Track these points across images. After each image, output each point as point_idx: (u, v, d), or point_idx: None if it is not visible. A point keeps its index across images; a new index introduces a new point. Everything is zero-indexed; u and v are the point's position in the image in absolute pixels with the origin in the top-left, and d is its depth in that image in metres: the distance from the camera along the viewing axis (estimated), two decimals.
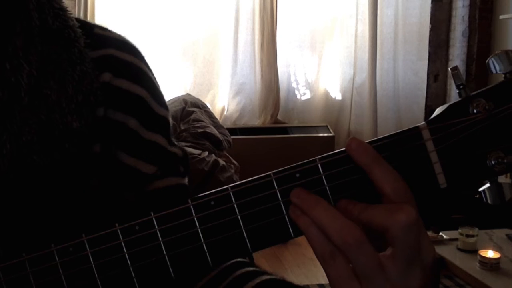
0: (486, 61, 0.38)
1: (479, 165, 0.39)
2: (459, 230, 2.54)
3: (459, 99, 0.40)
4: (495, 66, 0.39)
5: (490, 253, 2.34)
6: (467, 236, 2.51)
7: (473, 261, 2.36)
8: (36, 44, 0.52)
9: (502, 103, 0.38)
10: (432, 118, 0.40)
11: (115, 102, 0.56)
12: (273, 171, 0.42)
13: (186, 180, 0.62)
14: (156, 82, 0.61)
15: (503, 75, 0.39)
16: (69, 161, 0.53)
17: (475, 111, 0.39)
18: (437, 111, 0.40)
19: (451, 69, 0.39)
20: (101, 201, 0.56)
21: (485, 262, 2.30)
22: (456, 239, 2.55)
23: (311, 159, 0.42)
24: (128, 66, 0.58)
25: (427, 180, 0.40)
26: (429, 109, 4.32)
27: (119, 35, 0.61)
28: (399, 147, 0.40)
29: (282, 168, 0.42)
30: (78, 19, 0.58)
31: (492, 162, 0.39)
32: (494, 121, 0.39)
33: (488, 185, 0.40)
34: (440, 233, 2.64)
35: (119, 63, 0.57)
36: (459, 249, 2.51)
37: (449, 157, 0.40)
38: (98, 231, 0.44)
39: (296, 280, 2.88)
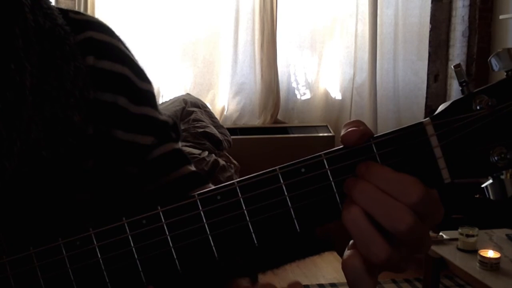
0: (488, 59, 0.38)
1: (482, 160, 0.40)
2: (459, 230, 2.53)
3: (462, 96, 0.40)
4: (497, 64, 0.39)
5: (490, 253, 2.33)
6: (467, 236, 2.50)
7: (473, 261, 2.35)
8: (33, 44, 0.54)
9: (504, 100, 0.39)
10: (436, 114, 0.41)
11: (102, 84, 0.58)
12: (279, 166, 0.43)
13: (179, 145, 0.65)
14: (135, 58, 0.63)
15: (505, 73, 0.39)
16: (70, 151, 0.54)
17: (478, 107, 0.39)
18: (441, 108, 0.41)
19: (454, 66, 0.40)
20: (103, 181, 0.57)
21: (485, 262, 2.30)
22: (456, 239, 2.54)
23: (316, 154, 0.42)
24: (107, 47, 0.60)
25: (431, 175, 0.41)
26: (429, 109, 4.32)
27: (93, 17, 0.63)
28: (404, 142, 0.41)
29: (288, 163, 0.43)
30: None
31: (495, 157, 0.39)
32: (496, 117, 0.39)
33: (490, 181, 0.41)
34: (440, 233, 2.64)
35: (99, 45, 0.59)
36: (459, 249, 2.51)
37: (453, 153, 0.40)
38: (105, 224, 0.45)
39: None
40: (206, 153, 3.35)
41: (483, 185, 0.40)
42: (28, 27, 0.54)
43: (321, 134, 4.10)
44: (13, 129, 0.50)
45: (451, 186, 0.39)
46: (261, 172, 0.43)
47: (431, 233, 2.61)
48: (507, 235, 2.69)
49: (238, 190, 0.43)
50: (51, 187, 0.53)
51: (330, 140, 4.04)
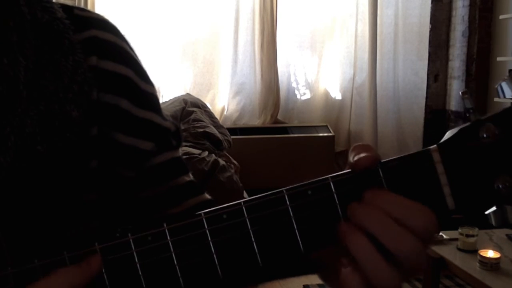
0: (495, 86, 0.38)
1: (486, 188, 0.40)
2: (459, 230, 2.53)
3: (468, 123, 0.41)
4: (504, 91, 0.40)
5: (490, 253, 2.34)
6: (467, 236, 2.51)
7: (473, 261, 2.36)
8: (29, 38, 0.53)
9: (510, 129, 0.39)
10: (443, 141, 0.41)
11: (104, 85, 0.57)
12: (286, 188, 0.43)
13: (179, 153, 0.64)
14: (139, 60, 0.62)
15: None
16: (70, 148, 0.54)
17: (484, 135, 0.40)
18: (448, 134, 0.41)
19: (462, 93, 0.40)
20: (107, 182, 0.57)
21: (485, 262, 2.31)
22: (456, 239, 2.55)
23: (323, 177, 0.43)
24: (111, 47, 0.59)
25: (436, 202, 0.41)
26: (429, 109, 4.32)
27: (99, 15, 0.62)
28: (410, 168, 0.41)
29: (294, 185, 0.43)
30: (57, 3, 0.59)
31: (500, 186, 0.40)
32: (502, 146, 0.40)
33: (493, 208, 0.41)
34: (440, 233, 2.64)
35: (103, 45, 0.58)
36: (459, 249, 2.51)
37: (458, 180, 0.41)
38: (111, 239, 0.45)
39: (296, 280, 2.86)
40: (206, 153, 3.36)
41: (486, 212, 0.41)
42: (23, 20, 0.53)
43: (321, 134, 4.11)
44: (7, 123, 0.50)
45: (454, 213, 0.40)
46: (267, 193, 0.43)
47: None
48: (507, 235, 2.70)
49: (244, 210, 0.43)
50: (55, 185, 0.52)
51: (330, 140, 4.04)
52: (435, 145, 0.41)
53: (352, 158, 0.42)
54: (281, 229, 0.43)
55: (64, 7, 0.59)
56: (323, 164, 3.80)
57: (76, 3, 3.72)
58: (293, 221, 0.43)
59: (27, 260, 0.45)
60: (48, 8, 0.56)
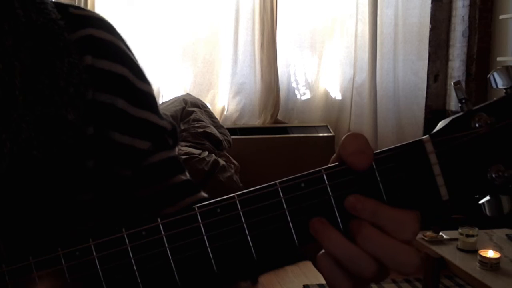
0: (488, 76, 0.38)
1: (479, 178, 0.40)
2: (459, 230, 2.54)
3: (461, 112, 0.41)
4: (496, 81, 0.40)
5: (490, 253, 2.34)
6: (467, 236, 2.51)
7: (473, 261, 2.36)
8: (24, 41, 0.52)
9: (503, 118, 0.39)
10: (436, 132, 0.41)
11: (100, 84, 0.57)
12: (279, 180, 0.43)
13: (175, 152, 0.64)
14: (135, 58, 0.62)
15: (504, 90, 0.40)
16: (66, 151, 0.53)
17: (477, 125, 0.40)
18: (440, 125, 0.41)
19: (453, 83, 0.40)
20: (104, 181, 0.57)
21: (485, 262, 2.31)
22: (456, 239, 2.55)
23: (316, 169, 0.43)
24: (107, 46, 0.58)
25: (430, 192, 0.41)
26: (429, 109, 4.32)
27: (94, 13, 0.61)
28: (403, 159, 0.41)
29: (287, 178, 0.43)
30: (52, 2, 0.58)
31: (493, 175, 0.39)
32: (495, 136, 0.39)
33: (488, 197, 0.41)
34: (440, 233, 2.65)
35: (99, 44, 0.58)
36: (459, 249, 2.52)
37: (451, 170, 0.40)
38: (105, 235, 0.45)
39: (296, 280, 2.86)
40: (206, 153, 3.36)
41: (480, 202, 0.41)
42: (18, 24, 0.52)
43: (321, 134, 4.11)
44: (2, 130, 0.49)
45: (447, 204, 0.40)
46: (261, 186, 0.43)
47: (431, 234, 2.62)
48: (507, 235, 2.70)
49: (238, 204, 0.43)
50: (51, 187, 0.52)
51: (330, 140, 4.04)
52: (427, 136, 0.41)
53: (347, 155, 0.41)
54: (275, 222, 0.43)
55: (59, 6, 0.58)
56: (323, 164, 3.76)
57: (76, 3, 3.73)
58: (287, 213, 0.42)
59: (22, 259, 0.45)
60: (42, 10, 0.55)
